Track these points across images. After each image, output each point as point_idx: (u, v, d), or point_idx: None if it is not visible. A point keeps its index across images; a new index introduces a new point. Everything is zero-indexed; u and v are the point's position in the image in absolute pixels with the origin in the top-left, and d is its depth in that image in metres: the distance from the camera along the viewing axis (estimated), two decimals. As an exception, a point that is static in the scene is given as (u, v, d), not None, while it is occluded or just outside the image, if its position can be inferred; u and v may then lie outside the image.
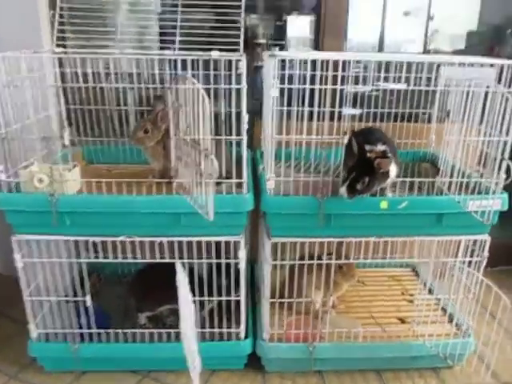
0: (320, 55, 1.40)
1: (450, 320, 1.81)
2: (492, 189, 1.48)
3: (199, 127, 1.18)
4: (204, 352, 1.59)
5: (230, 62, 1.45)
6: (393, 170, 1.43)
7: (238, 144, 1.48)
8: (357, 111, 2.03)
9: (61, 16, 1.89)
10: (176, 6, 1.87)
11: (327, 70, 1.54)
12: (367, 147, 1.41)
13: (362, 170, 1.37)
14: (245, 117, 1.38)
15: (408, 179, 1.50)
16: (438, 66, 1.85)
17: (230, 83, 1.44)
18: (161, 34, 2.08)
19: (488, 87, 1.39)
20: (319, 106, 1.58)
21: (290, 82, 1.67)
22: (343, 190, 1.39)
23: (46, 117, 1.65)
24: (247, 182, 1.49)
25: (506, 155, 1.42)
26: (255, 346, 1.72)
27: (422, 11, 2.78)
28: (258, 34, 2.44)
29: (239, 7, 1.83)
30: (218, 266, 1.63)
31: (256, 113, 2.07)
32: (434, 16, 2.75)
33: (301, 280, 1.72)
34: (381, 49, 2.64)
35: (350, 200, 1.39)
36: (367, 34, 2.60)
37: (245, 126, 1.39)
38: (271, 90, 1.36)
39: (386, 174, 1.41)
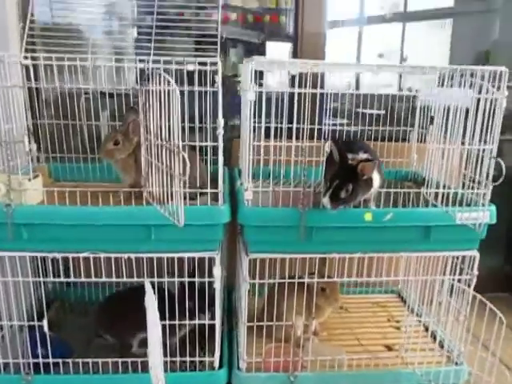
0: (298, 61, 1.34)
1: (441, 346, 1.70)
2: (480, 201, 1.42)
3: (170, 125, 1.09)
4: (174, 383, 1.45)
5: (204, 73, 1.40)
6: (376, 178, 1.36)
7: (215, 162, 1.40)
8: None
9: (31, 29, 1.82)
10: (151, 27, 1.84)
11: (305, 86, 1.50)
12: (349, 155, 1.34)
13: (344, 177, 1.29)
14: (221, 121, 1.30)
15: (392, 189, 1.42)
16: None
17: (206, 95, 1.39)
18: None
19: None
20: (298, 123, 1.54)
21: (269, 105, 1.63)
22: (326, 199, 1.30)
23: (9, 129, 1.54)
24: (223, 193, 1.39)
25: (492, 162, 1.36)
26: (231, 377, 1.56)
27: (395, 53, 2.85)
28: (237, 74, 2.44)
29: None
30: (191, 287, 1.50)
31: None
32: (407, 57, 2.81)
33: (281, 303, 1.60)
34: (357, 88, 2.66)
35: (333, 210, 1.30)
36: (343, 74, 2.64)
37: (220, 132, 1.31)
38: (248, 94, 1.29)
39: (370, 182, 1.33)
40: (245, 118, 1.36)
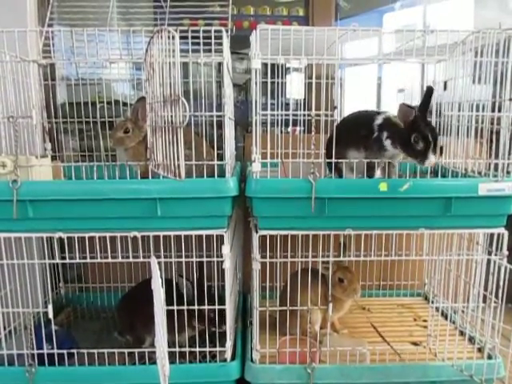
0: (303, 28, 1.32)
1: (471, 340, 1.56)
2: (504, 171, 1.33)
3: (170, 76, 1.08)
4: (183, 376, 1.37)
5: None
6: None
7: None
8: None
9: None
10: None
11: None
12: None
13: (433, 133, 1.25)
14: (226, 90, 1.28)
15: (408, 162, 1.36)
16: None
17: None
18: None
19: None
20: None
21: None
22: (432, 157, 1.24)
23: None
24: (231, 165, 1.35)
25: None
26: (244, 371, 1.45)
27: (416, 89, 2.84)
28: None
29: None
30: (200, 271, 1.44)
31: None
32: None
33: (295, 297, 1.50)
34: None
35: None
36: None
37: (226, 102, 1.29)
38: (253, 63, 1.27)
39: None
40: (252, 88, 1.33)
